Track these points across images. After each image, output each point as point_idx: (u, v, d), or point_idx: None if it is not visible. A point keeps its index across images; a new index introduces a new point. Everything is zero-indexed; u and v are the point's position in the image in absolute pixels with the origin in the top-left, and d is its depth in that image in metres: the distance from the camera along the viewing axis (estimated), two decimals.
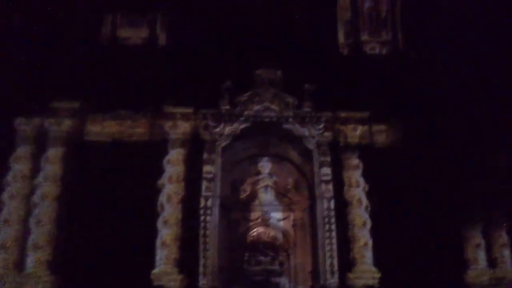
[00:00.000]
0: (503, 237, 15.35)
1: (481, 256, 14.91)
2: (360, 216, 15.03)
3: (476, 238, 15.05)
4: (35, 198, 14.69)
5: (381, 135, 16.43)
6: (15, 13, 17.67)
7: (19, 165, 15.10)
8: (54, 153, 15.28)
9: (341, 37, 18.85)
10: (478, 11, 18.53)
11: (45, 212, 14.43)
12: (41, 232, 14.18)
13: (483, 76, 17.49)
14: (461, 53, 17.83)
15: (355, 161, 15.82)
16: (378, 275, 14.36)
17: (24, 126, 15.61)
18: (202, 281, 14.05)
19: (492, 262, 15.08)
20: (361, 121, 16.25)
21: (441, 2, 19.10)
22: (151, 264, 14.14)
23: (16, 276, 13.92)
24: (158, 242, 14.37)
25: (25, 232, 14.34)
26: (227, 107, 16.19)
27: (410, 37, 18.51)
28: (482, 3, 19.08)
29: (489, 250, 15.14)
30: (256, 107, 16.23)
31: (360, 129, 16.14)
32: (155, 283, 13.57)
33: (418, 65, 17.61)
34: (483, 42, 18.00)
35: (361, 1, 18.94)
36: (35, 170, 15.13)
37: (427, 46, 18.16)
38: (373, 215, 15.07)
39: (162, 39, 18.19)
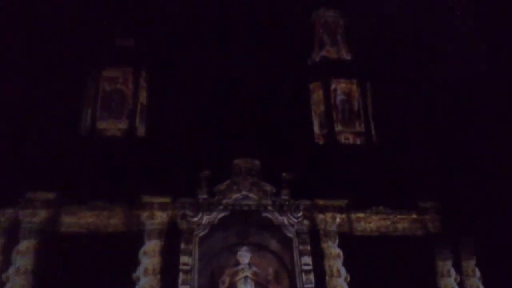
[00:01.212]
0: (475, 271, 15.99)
1: None
2: None
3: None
4: None
5: (360, 223, 16.94)
6: None
7: None
8: (26, 245, 15.18)
9: (316, 128, 19.94)
10: (445, 103, 20.07)
11: None
12: None
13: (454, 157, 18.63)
14: (433, 142, 19.08)
15: (335, 249, 16.13)
16: None
17: None
18: None
19: None
20: (339, 209, 16.76)
21: (409, 97, 20.65)
22: None
23: None
24: None
25: None
26: (205, 196, 16.60)
27: (382, 127, 19.72)
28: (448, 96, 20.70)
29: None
30: (235, 196, 16.68)
31: (338, 217, 16.62)
32: None
33: (391, 154, 18.66)
34: (451, 129, 19.36)
35: (334, 94, 20.29)
36: (6, 263, 14.97)
37: (398, 136, 19.32)
38: None
39: (140, 130, 18.95)
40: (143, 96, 19.57)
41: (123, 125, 18.82)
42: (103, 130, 18.65)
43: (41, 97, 18.81)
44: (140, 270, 15.23)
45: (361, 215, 16.98)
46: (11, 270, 14.85)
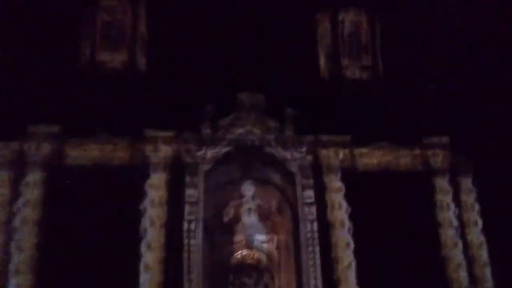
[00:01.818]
0: (484, 257, 16.67)
1: (463, 274, 16.14)
2: (343, 237, 16.00)
3: (457, 258, 16.32)
4: (15, 223, 15.30)
5: (363, 158, 17.62)
6: None
7: None
8: (33, 177, 15.88)
9: (322, 62, 20.12)
10: (454, 38, 20.20)
11: (25, 237, 14.99)
12: (22, 258, 14.75)
13: (462, 95, 19.06)
14: (436, 77, 19.42)
15: (337, 183, 16.88)
16: None
17: (2, 150, 16.22)
18: None
19: (473, 281, 16.34)
20: (343, 145, 17.31)
21: (418, 29, 20.73)
22: None
23: None
24: (142, 266, 15.03)
25: (7, 257, 14.92)
26: (209, 130, 17.11)
27: (389, 61, 19.96)
28: (460, 28, 20.77)
29: (470, 269, 16.38)
30: (239, 131, 17.20)
31: (342, 152, 17.27)
32: None
33: (397, 89, 19.06)
34: (459, 65, 19.63)
35: (341, 27, 20.36)
36: (15, 195, 15.74)
37: (405, 71, 19.63)
38: (356, 237, 16.17)
39: (142, 62, 19.12)
40: (143, 27, 19.56)
41: (123, 57, 18.98)
42: (103, 62, 18.81)
43: (40, 29, 18.92)
44: (147, 202, 15.98)
45: (364, 150, 17.53)
46: (20, 202, 15.63)
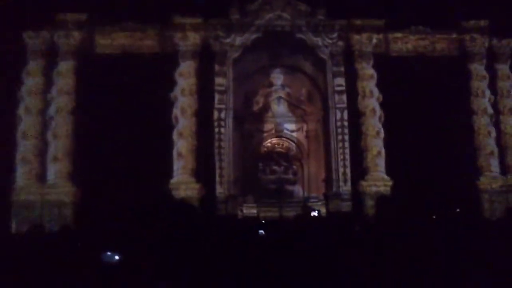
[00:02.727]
0: (510, 92, 15.68)
1: (494, 163, 15.23)
2: (373, 126, 15.18)
3: (489, 146, 15.30)
4: (50, 111, 14.94)
5: (397, 43, 16.19)
6: None
7: (31, 79, 15.16)
8: (65, 66, 15.27)
9: None
10: None
11: (61, 125, 14.71)
12: (59, 145, 14.56)
13: None
14: None
15: (369, 71, 15.70)
16: (390, 183, 14.73)
17: (33, 39, 15.47)
18: (218, 189, 14.58)
19: (504, 169, 15.47)
20: (377, 29, 15.89)
21: None
22: (169, 174, 14.63)
23: (39, 186, 14.53)
24: (175, 153, 14.75)
25: (44, 145, 14.76)
26: (237, 16, 15.83)
27: None
28: None
29: (502, 158, 15.46)
30: (268, 16, 15.85)
31: (375, 38, 15.84)
32: (174, 193, 14.03)
33: None
34: None
35: None
36: (48, 84, 15.24)
37: None
38: (387, 125, 15.25)
39: None
40: None
41: None
42: None
43: None
44: (177, 90, 15.34)
45: (398, 35, 16.14)
46: (53, 90, 15.16)
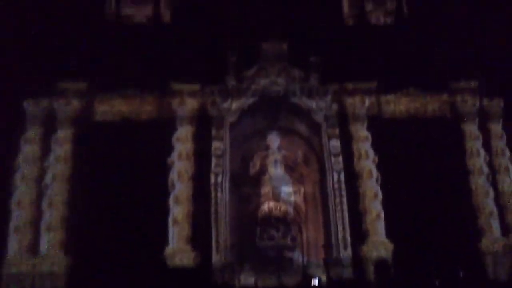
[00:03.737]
0: (504, 150, 14.97)
1: (495, 224, 14.29)
2: (371, 188, 14.41)
3: (488, 206, 14.41)
4: (47, 179, 14.21)
5: (390, 105, 15.70)
6: None
7: (29, 147, 14.59)
8: (63, 134, 14.72)
9: (345, 8, 17.95)
10: None
11: (56, 193, 13.95)
12: (53, 214, 13.72)
13: (486, 38, 16.69)
14: (464, 20, 16.96)
15: (364, 132, 15.14)
16: (391, 247, 13.77)
17: (33, 107, 15.04)
18: (215, 257, 13.58)
19: (505, 230, 14.49)
20: (369, 92, 15.49)
21: None
22: (164, 242, 13.69)
23: (31, 257, 13.53)
24: (170, 219, 13.90)
25: (38, 214, 13.91)
26: (234, 82, 15.49)
27: (414, 5, 17.59)
28: None
29: (502, 218, 14.54)
30: (263, 82, 15.52)
31: (368, 100, 15.38)
32: (169, 261, 13.02)
33: (423, 33, 16.76)
34: (486, 7, 17.12)
35: None
36: (45, 151, 14.61)
37: (431, 14, 17.26)
38: (384, 187, 14.45)
39: (166, 16, 17.43)
40: None
41: (148, 11, 17.26)
42: (129, 16, 17.17)
43: None
44: (174, 155, 14.70)
45: (391, 97, 15.67)
46: (51, 158, 14.49)
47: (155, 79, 15.43)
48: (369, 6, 17.70)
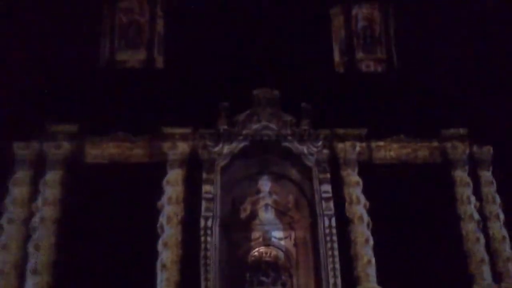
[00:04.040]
0: (507, 251, 14.91)
1: (486, 270, 14.32)
2: (362, 233, 14.47)
3: (479, 253, 14.49)
4: (34, 222, 14.14)
5: (380, 151, 16.00)
6: (13, 38, 17.36)
7: (17, 189, 14.59)
8: (52, 176, 14.75)
9: (336, 56, 18.62)
10: (469, 27, 18.36)
11: (44, 236, 13.84)
12: (40, 257, 13.55)
13: (475, 86, 17.29)
14: (453, 68, 17.62)
15: (355, 177, 15.34)
16: None
17: (22, 150, 15.11)
18: None
19: (497, 277, 14.51)
20: (359, 138, 15.82)
21: (433, 20, 18.96)
22: (152, 287, 13.51)
23: None
24: (159, 264, 13.76)
25: (24, 257, 13.73)
26: (225, 126, 15.75)
27: (404, 54, 18.28)
28: (473, 20, 18.97)
29: (493, 265, 14.59)
30: (255, 126, 15.81)
31: (358, 146, 15.68)
32: None
33: (413, 81, 17.34)
34: (475, 56, 17.82)
35: (355, 20, 18.72)
36: (34, 193, 14.60)
37: (420, 63, 17.92)
38: (375, 232, 14.52)
39: (159, 61, 17.94)
40: (160, 26, 18.34)
41: (141, 56, 17.79)
42: (122, 61, 17.68)
43: (60, 31, 17.79)
44: (164, 199, 14.74)
45: (381, 143, 15.99)
46: (39, 200, 14.47)
47: (147, 122, 15.64)
48: (359, 55, 18.37)
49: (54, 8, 18.37)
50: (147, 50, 17.88)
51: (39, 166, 14.95)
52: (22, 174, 14.83)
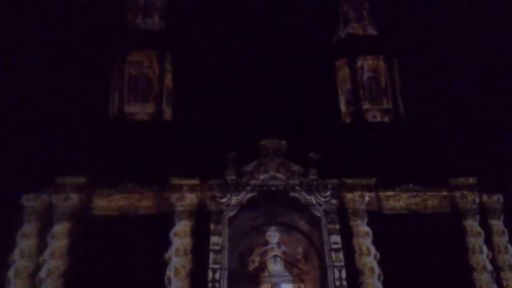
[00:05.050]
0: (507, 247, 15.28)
1: None
2: (373, 285, 14.69)
3: None
4: (41, 274, 14.51)
5: (389, 201, 16.46)
6: (21, 89, 18.26)
7: (25, 242, 15.01)
8: (60, 228, 15.23)
9: (343, 106, 19.42)
10: (475, 76, 19.22)
11: None
12: None
13: (483, 134, 17.90)
14: (460, 118, 18.34)
15: (364, 228, 15.72)
16: None
17: (31, 202, 15.65)
18: None
19: None
20: (368, 188, 16.28)
21: (438, 69, 19.90)
22: None
23: None
24: None
25: None
26: (233, 177, 16.33)
27: (410, 103, 19.06)
28: (477, 68, 19.86)
29: None
30: (262, 176, 16.36)
31: (367, 196, 16.16)
32: None
33: (420, 131, 18.02)
34: (482, 105, 18.56)
35: (360, 72, 19.66)
36: (42, 246, 15.05)
37: (427, 112, 18.65)
38: (386, 284, 14.78)
39: (167, 113, 18.78)
40: (168, 80, 19.28)
41: (150, 108, 18.62)
42: (131, 114, 18.48)
43: (69, 83, 18.77)
44: (171, 251, 15.12)
45: (390, 193, 16.46)
46: (46, 252, 14.91)
47: (155, 174, 16.23)
48: (365, 105, 19.18)
49: (63, 60, 19.45)
50: (155, 102, 18.71)
51: (47, 218, 15.46)
52: (30, 226, 15.30)
